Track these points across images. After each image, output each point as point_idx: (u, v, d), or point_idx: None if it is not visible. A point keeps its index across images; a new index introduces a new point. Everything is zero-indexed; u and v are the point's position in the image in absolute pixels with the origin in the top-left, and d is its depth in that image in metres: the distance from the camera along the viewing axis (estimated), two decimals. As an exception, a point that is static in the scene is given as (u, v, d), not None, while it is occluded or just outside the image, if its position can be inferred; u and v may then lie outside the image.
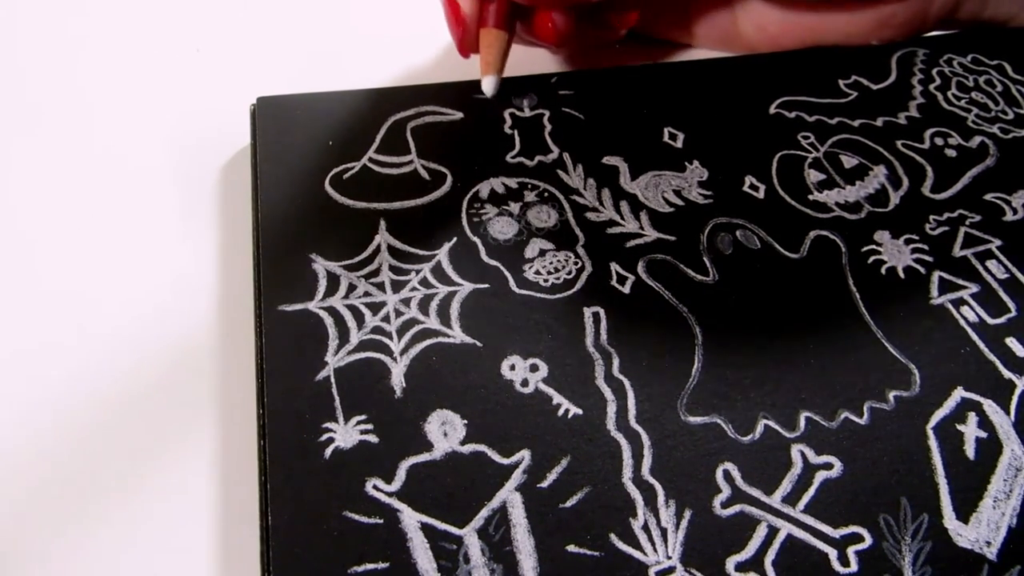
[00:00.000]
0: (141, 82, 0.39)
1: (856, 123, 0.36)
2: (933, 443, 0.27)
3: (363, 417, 0.27)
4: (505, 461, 0.26)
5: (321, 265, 0.30)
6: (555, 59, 0.40)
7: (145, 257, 0.33)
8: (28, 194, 0.35)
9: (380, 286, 0.30)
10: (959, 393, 0.28)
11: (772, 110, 0.37)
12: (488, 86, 0.35)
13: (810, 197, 0.34)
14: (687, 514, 0.25)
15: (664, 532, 0.25)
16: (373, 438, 0.26)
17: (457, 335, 0.29)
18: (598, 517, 0.25)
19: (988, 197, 0.34)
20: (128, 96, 0.39)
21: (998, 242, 0.32)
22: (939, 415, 0.28)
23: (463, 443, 0.26)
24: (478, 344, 0.29)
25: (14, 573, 0.26)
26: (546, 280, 0.31)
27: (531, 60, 0.39)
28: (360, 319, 0.29)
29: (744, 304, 0.30)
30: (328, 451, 0.26)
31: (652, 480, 0.26)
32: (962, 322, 0.30)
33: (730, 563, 0.25)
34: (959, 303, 0.31)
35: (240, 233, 0.33)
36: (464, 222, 0.32)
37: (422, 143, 0.34)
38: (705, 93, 0.37)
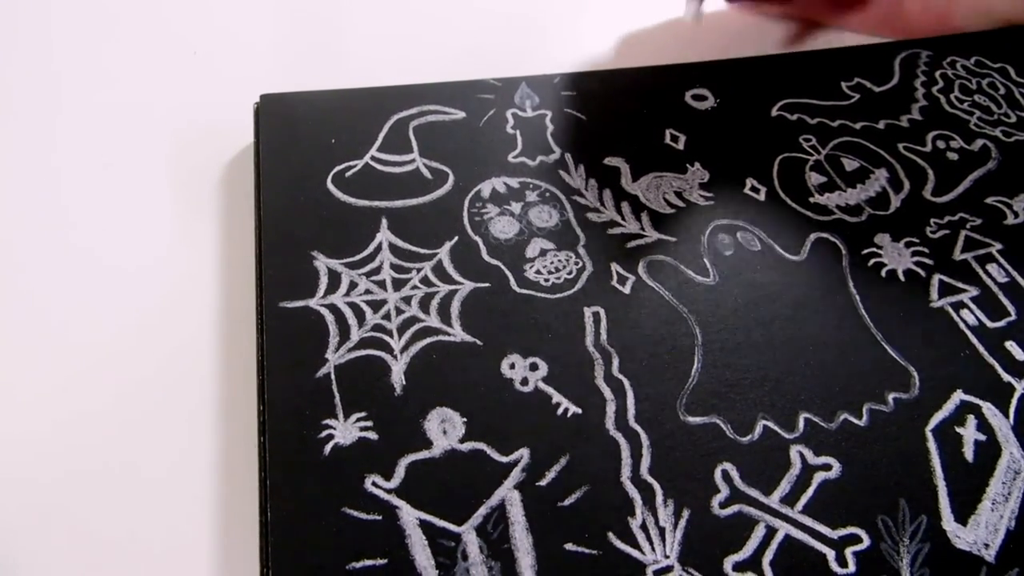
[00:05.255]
0: (147, 81, 0.40)
1: (858, 126, 0.37)
2: (932, 445, 0.27)
3: (363, 414, 0.27)
4: (504, 459, 0.26)
5: (323, 262, 0.31)
6: (557, 60, 0.40)
7: (148, 253, 0.33)
8: (37, 193, 0.35)
9: (381, 284, 0.30)
10: (958, 396, 0.28)
11: (774, 112, 0.37)
12: (690, 8, 0.38)
13: (811, 199, 0.34)
14: (685, 513, 0.25)
15: (662, 531, 0.25)
16: (373, 435, 0.26)
17: (457, 333, 0.29)
18: (596, 516, 0.25)
19: (989, 200, 0.34)
20: (134, 95, 0.39)
21: (999, 246, 0.32)
22: (938, 417, 0.28)
23: (462, 441, 0.27)
24: (478, 343, 0.29)
25: (15, 572, 0.26)
26: (547, 279, 0.31)
27: (533, 60, 0.39)
28: (361, 317, 0.29)
29: (744, 305, 0.30)
30: (328, 448, 0.26)
31: (651, 479, 0.26)
32: (962, 325, 0.30)
33: (728, 563, 0.25)
34: (959, 306, 0.31)
35: (242, 230, 0.34)
36: (465, 221, 0.32)
37: (424, 142, 0.35)
38: (707, 95, 0.37)
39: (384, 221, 0.32)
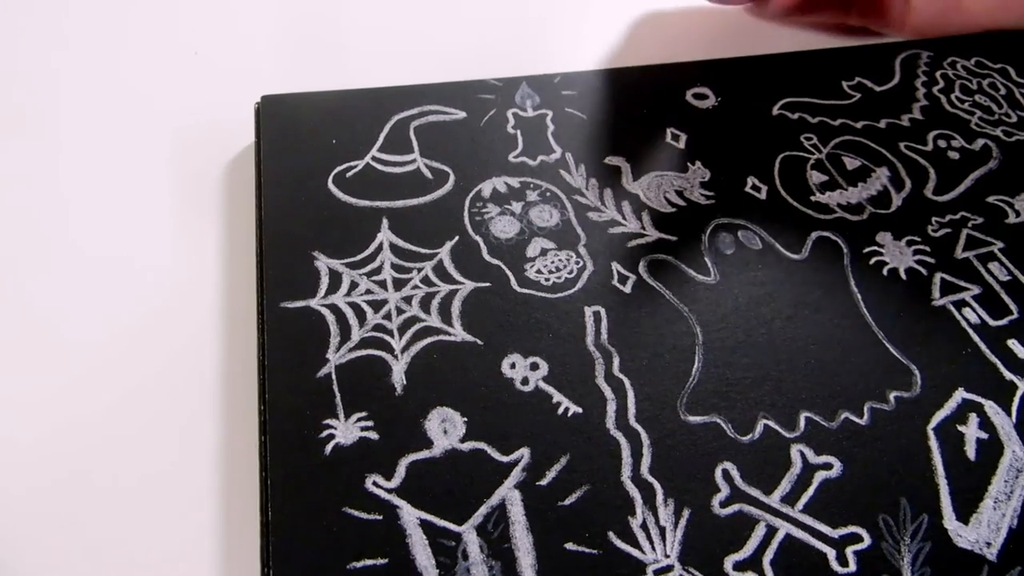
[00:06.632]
0: (148, 81, 0.40)
1: (859, 125, 0.37)
2: (933, 444, 0.27)
3: (364, 414, 0.27)
4: (504, 459, 0.26)
5: (324, 263, 0.31)
6: (558, 59, 0.40)
7: (149, 253, 0.33)
8: (37, 193, 0.35)
9: (382, 284, 0.30)
10: (960, 394, 0.28)
11: (775, 111, 0.37)
12: None
13: (812, 198, 0.34)
14: (686, 513, 0.25)
15: (662, 531, 0.25)
16: (373, 435, 0.26)
17: (458, 333, 0.29)
18: (597, 515, 0.25)
19: (990, 199, 0.34)
20: (135, 95, 0.39)
21: (1000, 244, 0.32)
22: (940, 416, 0.28)
23: (463, 440, 0.27)
24: (479, 342, 0.29)
25: (15, 571, 0.26)
26: (547, 279, 0.31)
27: (534, 60, 0.39)
28: (362, 317, 0.29)
29: (745, 304, 0.30)
30: (328, 447, 0.26)
31: (651, 479, 0.26)
32: (963, 323, 0.30)
33: (728, 562, 0.25)
34: (961, 304, 0.31)
35: (243, 230, 0.34)
36: (466, 221, 0.32)
37: (425, 142, 0.35)
38: (708, 94, 0.37)
39: (385, 221, 0.32)
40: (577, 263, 0.31)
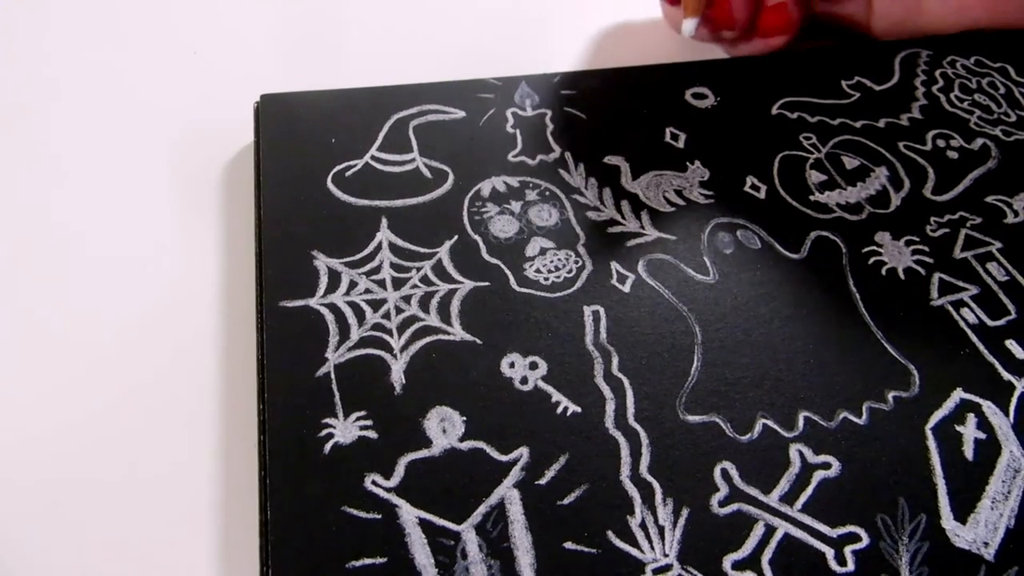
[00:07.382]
0: (147, 80, 0.40)
1: (858, 124, 0.37)
2: (932, 444, 0.27)
3: (363, 413, 0.27)
4: (504, 458, 0.26)
5: (323, 262, 0.31)
6: (557, 58, 0.40)
7: (148, 253, 0.33)
8: (35, 192, 0.35)
9: (381, 283, 0.30)
10: (958, 394, 0.28)
11: (774, 111, 0.37)
12: (688, 27, 0.38)
13: (811, 198, 0.34)
14: (684, 512, 0.25)
15: (661, 530, 0.25)
16: (372, 434, 0.27)
17: (457, 332, 0.29)
18: (596, 514, 0.25)
19: (989, 199, 0.34)
20: (134, 94, 0.39)
21: (998, 244, 0.32)
22: (938, 416, 0.28)
23: (462, 440, 0.27)
24: (478, 341, 0.29)
25: (14, 571, 0.26)
26: (546, 278, 0.31)
27: (533, 59, 0.39)
28: (361, 316, 0.29)
29: (744, 304, 0.30)
30: (327, 447, 0.26)
31: (650, 478, 0.26)
32: (962, 324, 0.30)
33: (727, 561, 0.25)
34: (959, 305, 0.31)
35: (242, 229, 0.34)
36: (465, 220, 0.32)
37: (424, 141, 0.35)
38: (707, 93, 0.37)
39: (384, 220, 0.32)
40: (576, 262, 0.31)
